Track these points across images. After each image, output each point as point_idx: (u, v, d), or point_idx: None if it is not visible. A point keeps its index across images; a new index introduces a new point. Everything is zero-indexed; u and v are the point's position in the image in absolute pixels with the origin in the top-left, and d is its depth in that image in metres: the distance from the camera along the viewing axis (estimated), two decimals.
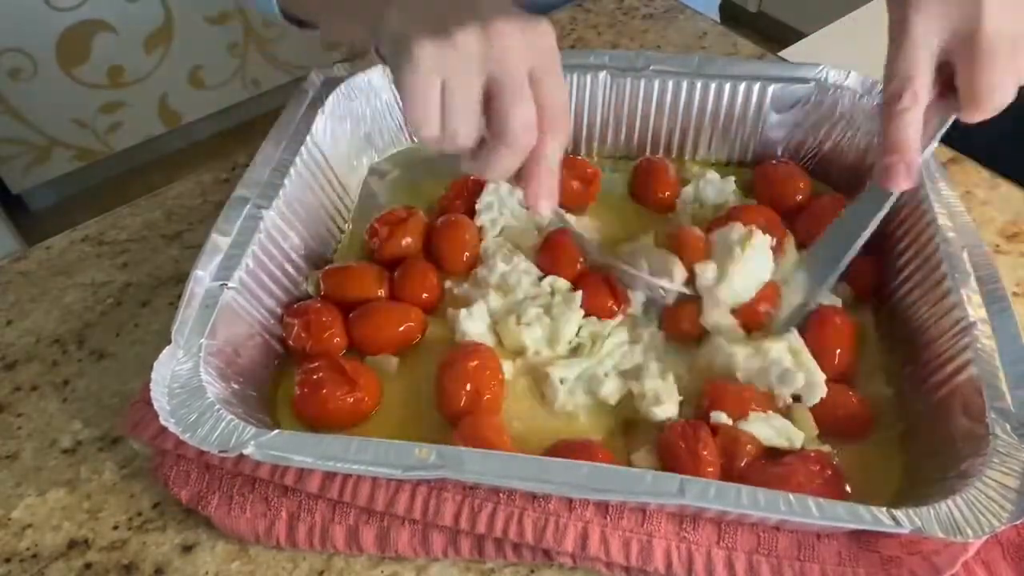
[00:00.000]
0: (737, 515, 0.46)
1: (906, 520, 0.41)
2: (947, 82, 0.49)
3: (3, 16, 1.76)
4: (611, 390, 0.55)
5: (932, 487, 0.47)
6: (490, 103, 0.43)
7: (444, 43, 0.42)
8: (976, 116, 0.49)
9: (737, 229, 0.59)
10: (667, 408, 0.53)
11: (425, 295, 0.61)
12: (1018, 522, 0.41)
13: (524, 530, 0.48)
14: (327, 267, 0.62)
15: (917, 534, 0.41)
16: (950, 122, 0.51)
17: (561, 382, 0.55)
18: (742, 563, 0.46)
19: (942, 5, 0.46)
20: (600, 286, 0.59)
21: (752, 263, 0.58)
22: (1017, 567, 0.46)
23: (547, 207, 0.47)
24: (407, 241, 0.64)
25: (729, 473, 0.49)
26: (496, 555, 0.49)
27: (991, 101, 0.48)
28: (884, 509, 0.42)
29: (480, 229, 0.65)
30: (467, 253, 0.64)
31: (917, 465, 0.50)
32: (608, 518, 0.48)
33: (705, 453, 0.49)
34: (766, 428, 0.51)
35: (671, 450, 0.50)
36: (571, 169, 0.69)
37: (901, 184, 0.51)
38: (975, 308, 0.51)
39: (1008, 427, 0.45)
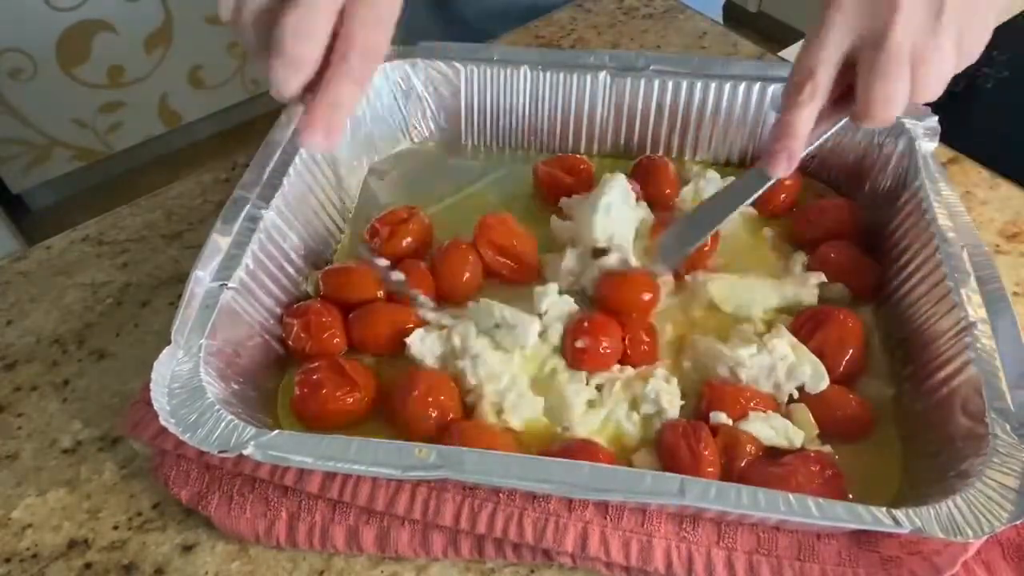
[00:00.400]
0: (737, 515, 0.46)
1: (906, 520, 0.41)
2: (848, 87, 0.50)
3: (3, 16, 1.77)
4: (632, 424, 0.54)
5: (932, 487, 0.47)
6: (280, 10, 0.41)
7: None
8: (866, 123, 0.49)
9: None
10: (670, 412, 0.53)
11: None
12: (1018, 522, 0.41)
13: (524, 530, 0.48)
14: (327, 268, 0.62)
15: (917, 534, 0.41)
16: (840, 124, 0.52)
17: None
18: (742, 563, 0.46)
19: (859, 9, 0.47)
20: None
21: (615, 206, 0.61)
22: (1017, 567, 0.46)
23: (314, 143, 0.44)
24: (408, 241, 0.64)
25: (729, 473, 0.49)
26: (496, 555, 0.49)
27: (883, 111, 0.48)
28: (884, 509, 0.42)
29: None
30: (467, 274, 0.62)
31: (917, 465, 0.50)
32: (608, 518, 0.48)
33: (706, 452, 0.49)
34: (766, 428, 0.51)
35: (672, 450, 0.50)
36: (562, 163, 0.70)
37: (779, 171, 0.52)
38: (975, 308, 0.51)
39: (1008, 427, 0.45)
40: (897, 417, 0.54)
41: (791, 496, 0.43)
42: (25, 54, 1.84)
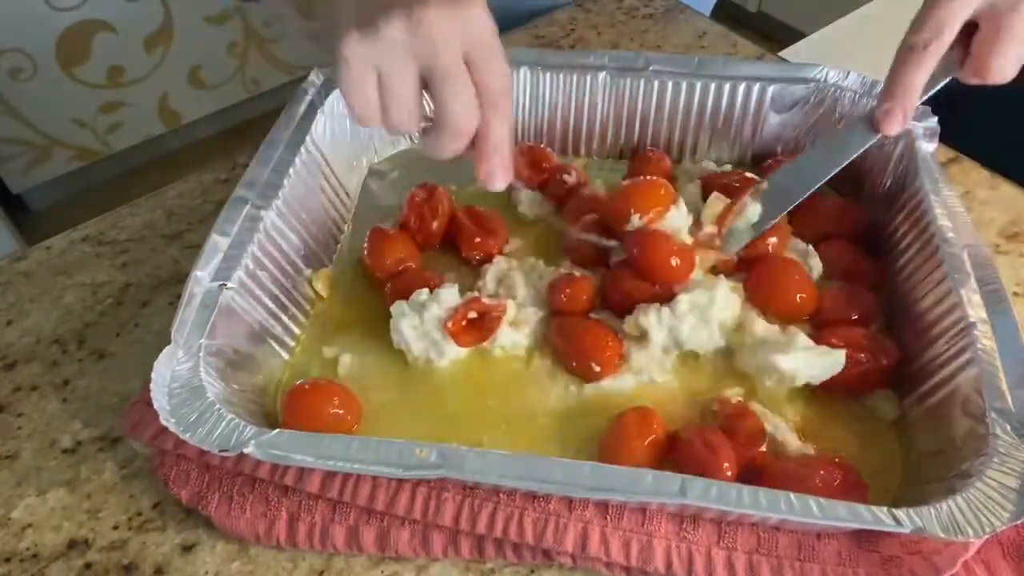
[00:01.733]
0: (737, 515, 0.46)
1: (906, 520, 0.41)
2: (959, 40, 0.51)
3: (3, 16, 1.76)
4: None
5: (932, 487, 0.47)
6: (428, 89, 0.45)
7: (370, 36, 0.43)
8: (977, 81, 0.51)
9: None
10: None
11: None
12: (1018, 522, 0.41)
13: (524, 530, 0.48)
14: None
15: (917, 534, 0.41)
16: (943, 83, 0.53)
17: None
18: (742, 563, 0.46)
19: None
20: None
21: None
22: (1017, 567, 0.46)
23: (499, 184, 0.49)
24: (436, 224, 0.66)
25: (746, 476, 0.49)
26: (496, 555, 0.49)
27: (999, 74, 0.50)
28: (884, 509, 0.42)
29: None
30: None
31: (917, 465, 0.50)
32: (608, 518, 0.48)
33: (723, 451, 0.49)
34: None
35: (687, 448, 0.50)
36: (530, 154, 0.71)
37: (895, 128, 0.53)
38: (975, 308, 0.51)
39: (1008, 427, 0.45)
40: (898, 417, 0.54)
41: (792, 496, 0.43)
42: (25, 54, 1.83)
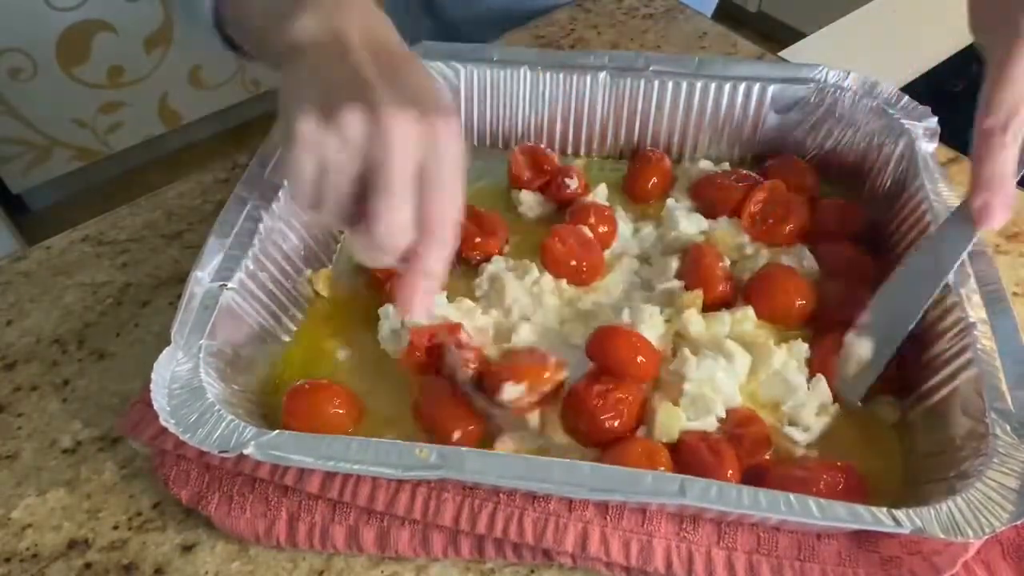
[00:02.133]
0: (737, 515, 0.46)
1: (906, 520, 0.41)
2: None
3: (3, 16, 1.76)
4: None
5: (932, 487, 0.47)
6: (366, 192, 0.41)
7: (327, 124, 0.40)
8: None
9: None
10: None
11: None
12: (1018, 522, 0.41)
13: (524, 530, 0.48)
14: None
15: (917, 534, 0.41)
16: None
17: None
18: (742, 563, 0.46)
19: None
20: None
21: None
22: (1017, 567, 0.46)
23: (418, 315, 0.45)
24: None
25: (748, 479, 0.49)
26: (496, 555, 0.49)
27: None
28: (884, 509, 0.42)
29: None
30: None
31: (917, 465, 0.50)
32: (608, 518, 0.48)
33: (727, 457, 0.49)
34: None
35: (690, 451, 0.50)
36: (532, 154, 0.71)
37: (999, 221, 0.49)
38: (975, 308, 0.51)
39: (1008, 427, 0.45)
40: (897, 418, 0.54)
41: (791, 496, 0.43)
42: (25, 54, 1.84)
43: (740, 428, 0.52)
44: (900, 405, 0.54)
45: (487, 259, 0.64)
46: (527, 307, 0.60)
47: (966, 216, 0.52)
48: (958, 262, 0.51)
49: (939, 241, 0.53)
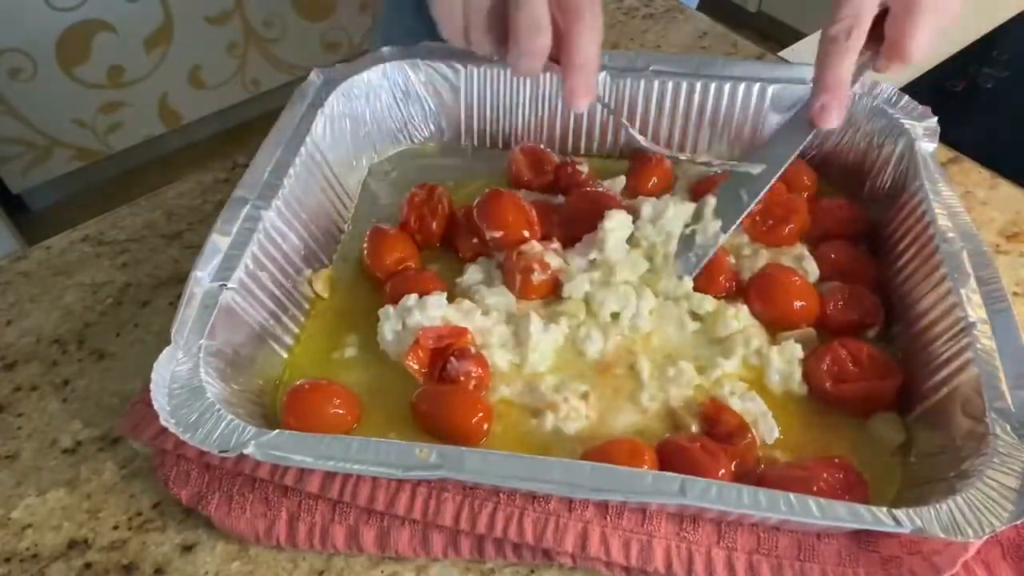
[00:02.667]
0: (737, 515, 0.46)
1: (906, 520, 0.41)
2: (872, 29, 0.51)
3: (3, 16, 1.77)
4: None
5: (932, 487, 0.47)
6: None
7: None
8: (895, 68, 0.51)
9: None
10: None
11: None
12: (1018, 522, 0.41)
13: (524, 530, 0.48)
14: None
15: (918, 534, 0.41)
16: (864, 73, 0.54)
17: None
18: (742, 563, 0.46)
19: None
20: None
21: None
22: (1017, 567, 0.46)
23: (580, 104, 0.48)
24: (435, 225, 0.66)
25: (747, 477, 0.49)
26: (496, 555, 0.49)
27: (915, 53, 0.50)
28: (884, 509, 0.42)
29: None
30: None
31: (917, 465, 0.50)
32: (608, 518, 0.48)
33: (720, 454, 0.49)
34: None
35: (682, 453, 0.50)
36: (532, 155, 0.71)
37: (834, 122, 0.53)
38: (975, 308, 0.51)
39: (1008, 427, 0.45)
40: (903, 438, 0.53)
41: (791, 496, 0.43)
42: (25, 54, 1.84)
43: (713, 420, 0.52)
44: (903, 421, 0.53)
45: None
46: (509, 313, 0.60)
47: (803, 118, 0.57)
48: (790, 159, 0.57)
49: (775, 141, 0.58)
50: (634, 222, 0.62)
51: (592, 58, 0.46)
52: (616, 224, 0.60)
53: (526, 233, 0.62)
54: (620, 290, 0.59)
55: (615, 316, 0.59)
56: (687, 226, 0.61)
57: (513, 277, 0.60)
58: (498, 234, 0.62)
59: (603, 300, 0.58)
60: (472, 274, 0.62)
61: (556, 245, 0.62)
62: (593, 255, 0.60)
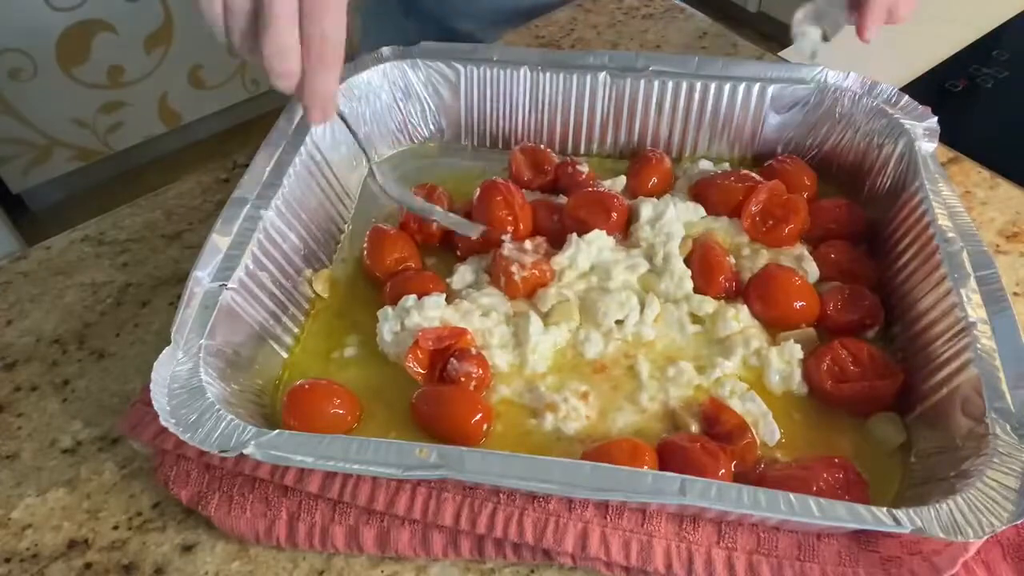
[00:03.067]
0: (738, 515, 0.46)
1: (906, 520, 0.41)
2: None
3: (3, 16, 1.76)
4: None
5: (932, 487, 0.47)
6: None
7: None
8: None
9: None
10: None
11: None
12: (1018, 522, 0.41)
13: (524, 530, 0.48)
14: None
15: (918, 534, 0.41)
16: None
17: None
18: (742, 563, 0.46)
19: None
20: None
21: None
22: (1017, 567, 0.46)
23: (318, 123, 0.52)
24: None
25: (747, 477, 0.49)
26: (496, 555, 0.49)
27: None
28: (884, 509, 0.42)
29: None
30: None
31: (917, 465, 0.50)
32: (608, 518, 0.48)
33: (720, 455, 0.49)
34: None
35: (682, 453, 0.50)
36: (533, 155, 0.71)
37: None
38: (975, 308, 0.51)
39: (1008, 427, 0.45)
40: (904, 438, 0.53)
41: (791, 496, 0.43)
42: (25, 54, 1.84)
43: (713, 420, 0.52)
44: (903, 421, 0.53)
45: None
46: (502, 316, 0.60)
47: None
48: None
49: None
50: (634, 222, 0.62)
51: (329, 95, 0.49)
52: (594, 237, 0.61)
53: (509, 228, 0.63)
54: (621, 296, 0.59)
55: (619, 323, 0.59)
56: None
57: (498, 276, 0.60)
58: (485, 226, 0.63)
59: (606, 311, 0.58)
60: (462, 274, 0.62)
61: (539, 241, 0.62)
62: (576, 259, 0.61)
